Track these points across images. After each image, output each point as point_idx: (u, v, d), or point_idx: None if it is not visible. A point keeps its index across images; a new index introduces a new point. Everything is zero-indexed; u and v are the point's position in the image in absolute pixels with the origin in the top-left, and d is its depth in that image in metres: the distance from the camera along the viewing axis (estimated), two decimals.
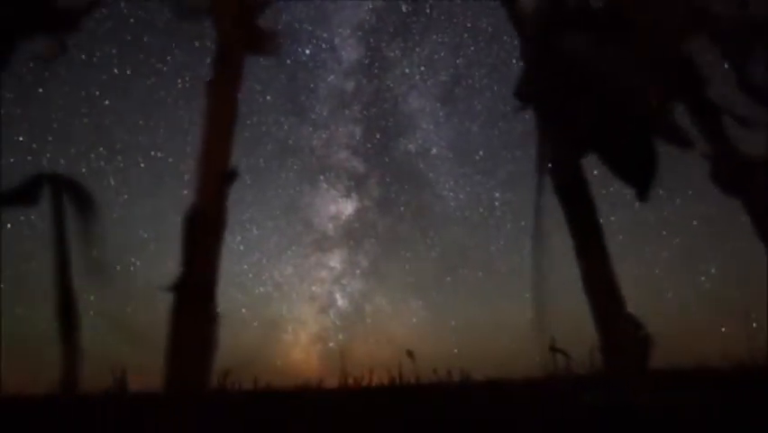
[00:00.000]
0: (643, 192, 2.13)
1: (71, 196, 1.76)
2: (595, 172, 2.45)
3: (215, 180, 1.96)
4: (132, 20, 6.45)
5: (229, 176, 2.01)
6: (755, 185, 2.58)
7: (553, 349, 3.14)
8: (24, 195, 1.68)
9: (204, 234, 1.82)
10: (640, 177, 2.13)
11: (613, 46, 2.78)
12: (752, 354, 3.89)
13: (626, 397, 2.06)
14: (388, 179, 10.33)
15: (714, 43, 2.81)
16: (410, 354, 2.98)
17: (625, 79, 2.45)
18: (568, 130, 2.40)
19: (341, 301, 9.75)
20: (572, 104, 2.42)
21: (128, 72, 6.58)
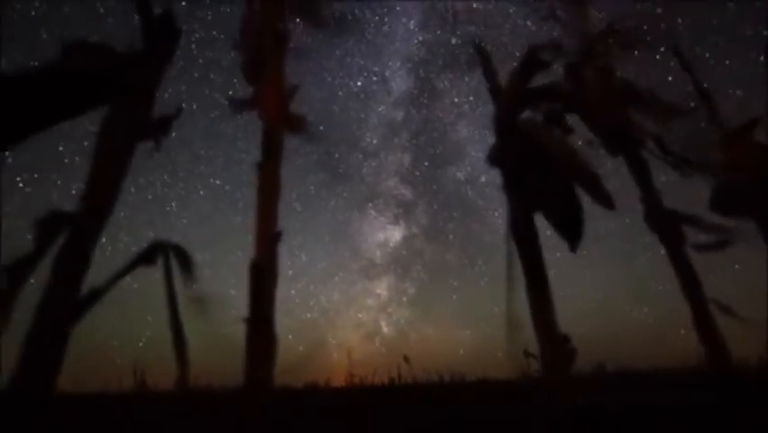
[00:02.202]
0: (573, 245, 2.94)
1: (176, 256, 2.61)
2: None
3: (268, 241, 2.81)
4: (200, 60, 7.22)
5: (276, 237, 2.86)
6: (670, 230, 3.37)
7: (527, 354, 3.88)
8: (146, 258, 2.54)
9: (263, 280, 2.67)
10: (572, 234, 2.94)
11: (563, 121, 3.58)
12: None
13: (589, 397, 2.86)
14: (435, 207, 10.25)
15: (641, 116, 3.59)
16: (406, 359, 3.75)
17: (568, 153, 3.24)
18: (522, 192, 3.20)
19: (386, 329, 9.72)
20: (526, 172, 3.22)
21: (194, 106, 7.31)
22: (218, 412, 2.51)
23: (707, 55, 6.72)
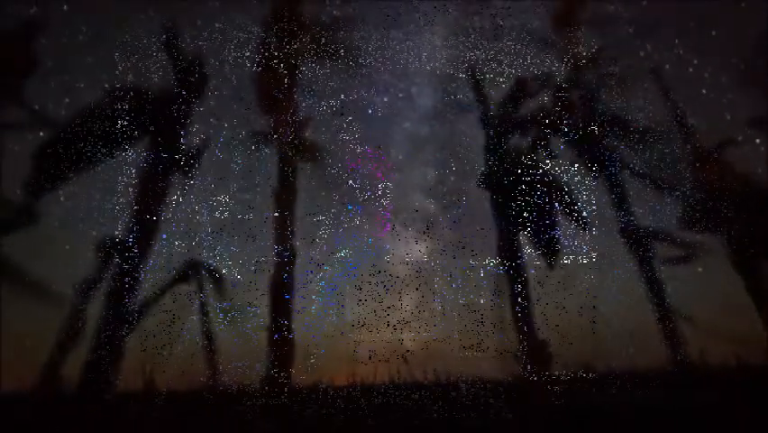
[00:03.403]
0: (551, 262, 3.35)
1: (208, 273, 3.04)
2: None
3: (285, 258, 3.24)
4: (233, 77, 7.68)
5: (291, 256, 3.28)
6: (641, 244, 3.77)
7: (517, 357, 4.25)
8: (182, 276, 2.97)
9: (281, 294, 3.10)
10: (550, 254, 3.34)
11: (547, 146, 3.97)
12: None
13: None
14: (461, 222, 10.32)
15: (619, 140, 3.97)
16: (405, 359, 4.14)
17: (550, 178, 3.64)
18: (509, 214, 3.60)
19: (410, 344, 9.71)
20: (513, 196, 3.62)
21: (225, 124, 7.83)
22: (238, 409, 2.92)
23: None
